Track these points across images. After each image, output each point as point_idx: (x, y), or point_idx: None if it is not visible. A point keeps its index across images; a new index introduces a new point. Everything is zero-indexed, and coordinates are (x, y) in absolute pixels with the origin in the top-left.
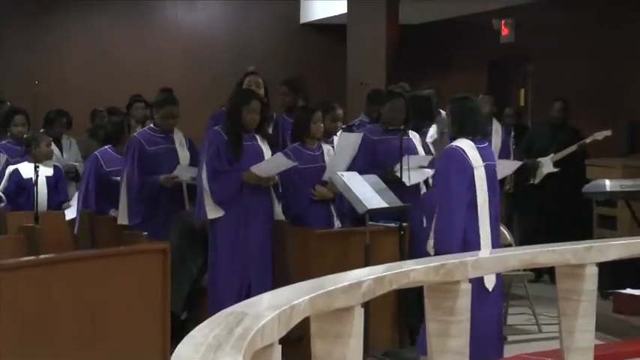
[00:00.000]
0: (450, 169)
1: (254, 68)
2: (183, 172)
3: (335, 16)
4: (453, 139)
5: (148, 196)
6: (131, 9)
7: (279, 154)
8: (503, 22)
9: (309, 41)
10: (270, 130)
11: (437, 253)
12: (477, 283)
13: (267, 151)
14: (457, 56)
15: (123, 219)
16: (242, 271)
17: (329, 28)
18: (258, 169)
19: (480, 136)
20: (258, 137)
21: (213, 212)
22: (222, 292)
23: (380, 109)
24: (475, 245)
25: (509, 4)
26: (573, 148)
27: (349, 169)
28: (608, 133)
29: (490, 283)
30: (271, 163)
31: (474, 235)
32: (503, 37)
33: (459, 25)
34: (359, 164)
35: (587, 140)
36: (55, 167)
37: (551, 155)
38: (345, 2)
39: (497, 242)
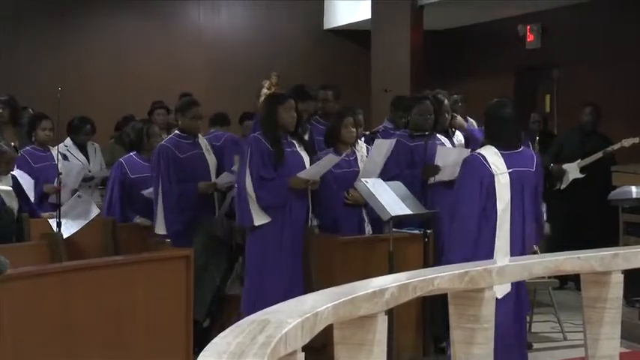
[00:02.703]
0: (467, 175)
1: (277, 74)
2: (223, 179)
3: (359, 22)
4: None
5: (187, 203)
6: (153, 13)
7: (330, 155)
8: (528, 27)
9: (333, 47)
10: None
11: (446, 259)
12: None
13: (305, 156)
14: (482, 62)
15: (160, 228)
16: (289, 277)
17: (353, 34)
18: (306, 174)
19: (507, 149)
20: (295, 143)
21: (259, 219)
22: (269, 298)
23: (404, 116)
24: (486, 254)
25: (534, 9)
26: (599, 155)
27: (387, 174)
28: (636, 140)
29: (500, 290)
30: (321, 166)
31: (486, 243)
32: (529, 43)
33: (485, 31)
34: (392, 169)
35: (615, 147)
36: (13, 177)
37: (578, 161)
38: (370, 8)
39: (524, 247)
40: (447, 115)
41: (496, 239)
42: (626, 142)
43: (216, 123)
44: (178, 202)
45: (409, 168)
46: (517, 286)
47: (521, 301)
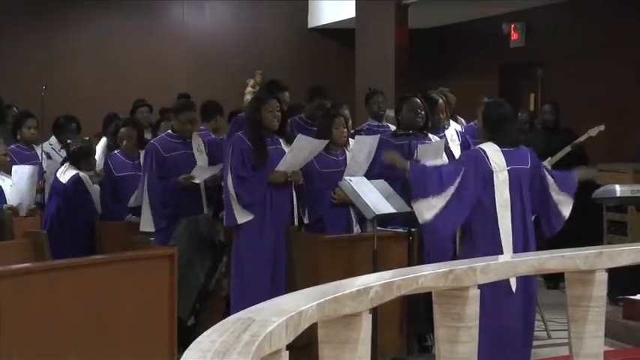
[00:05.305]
0: (467, 167)
1: (261, 73)
2: (200, 172)
3: (344, 21)
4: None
5: (171, 198)
6: (138, 12)
7: (299, 136)
8: (512, 26)
9: (318, 45)
10: None
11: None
12: (495, 286)
13: None
14: (467, 61)
15: (147, 226)
16: (272, 276)
17: (338, 33)
18: (285, 165)
19: (509, 146)
20: (281, 141)
21: (242, 217)
22: (252, 298)
23: (379, 112)
24: (493, 249)
25: (518, 8)
26: (568, 149)
27: (369, 172)
28: (601, 127)
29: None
30: (294, 152)
31: (489, 239)
32: (513, 42)
33: (469, 29)
34: (372, 167)
35: (582, 139)
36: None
37: (549, 159)
38: (354, 6)
39: (527, 243)
40: (441, 115)
41: (501, 235)
42: (592, 132)
43: (205, 117)
44: (162, 198)
45: (391, 167)
46: (524, 280)
47: (530, 295)
